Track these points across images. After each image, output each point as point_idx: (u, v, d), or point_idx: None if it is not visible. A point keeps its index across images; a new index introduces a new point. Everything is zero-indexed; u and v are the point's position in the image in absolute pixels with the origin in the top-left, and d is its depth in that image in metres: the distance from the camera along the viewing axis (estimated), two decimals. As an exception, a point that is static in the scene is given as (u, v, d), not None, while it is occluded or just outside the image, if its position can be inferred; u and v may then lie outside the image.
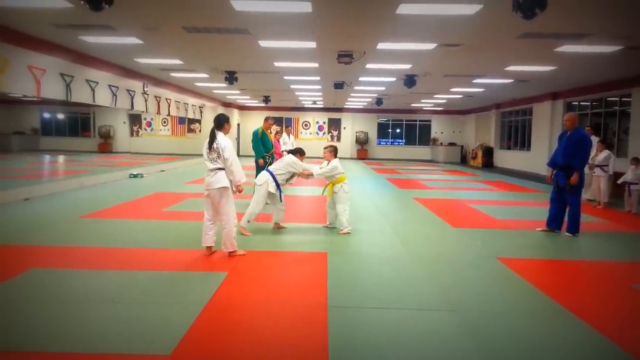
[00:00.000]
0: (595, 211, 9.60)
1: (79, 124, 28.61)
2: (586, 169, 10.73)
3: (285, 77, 15.31)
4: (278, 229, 7.25)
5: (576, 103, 17.22)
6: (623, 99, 14.35)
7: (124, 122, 28.23)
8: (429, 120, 29.56)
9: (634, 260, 6.03)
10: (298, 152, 7.31)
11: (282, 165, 7.12)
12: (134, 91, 15.05)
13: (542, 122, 18.88)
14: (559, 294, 4.55)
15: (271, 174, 6.99)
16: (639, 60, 10.70)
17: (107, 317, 3.79)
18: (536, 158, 19.29)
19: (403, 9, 7.04)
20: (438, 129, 29.51)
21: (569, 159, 7.09)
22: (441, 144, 28.67)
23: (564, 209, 7.30)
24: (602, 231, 7.77)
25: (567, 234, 7.16)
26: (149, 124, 28.72)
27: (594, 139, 10.67)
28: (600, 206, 10.03)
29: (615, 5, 6.76)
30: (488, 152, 24.14)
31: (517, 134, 22.12)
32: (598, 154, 10.14)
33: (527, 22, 6.28)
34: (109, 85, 13.45)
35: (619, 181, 9.91)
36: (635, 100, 13.27)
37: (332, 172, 7.12)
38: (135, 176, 14.45)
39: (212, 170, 5.51)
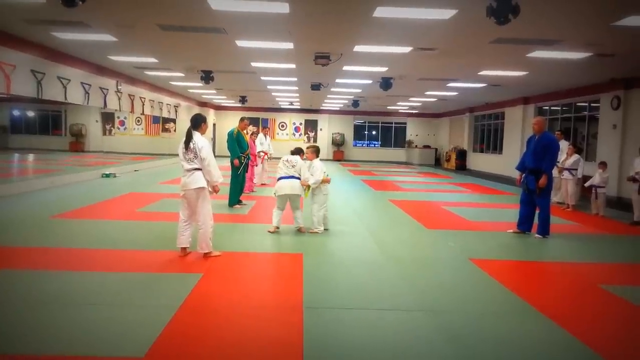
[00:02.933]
0: (564, 213, 9.84)
1: (49, 122, 27.96)
2: (555, 172, 11.03)
3: (262, 78, 15.27)
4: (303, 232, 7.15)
5: (547, 108, 17.64)
6: (592, 105, 14.76)
7: (97, 121, 27.68)
8: (405, 123, 29.86)
9: (601, 261, 6.21)
10: (302, 152, 7.25)
11: (297, 169, 7.01)
12: (107, 89, 14.79)
13: (514, 126, 19.27)
14: (529, 294, 4.65)
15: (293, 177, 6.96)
16: (607, 67, 11.04)
17: (78, 319, 3.72)
18: (508, 161, 19.63)
19: (379, 12, 7.11)
20: (413, 131, 29.84)
21: (538, 163, 7.24)
22: (416, 146, 28.99)
23: (534, 211, 7.46)
24: (570, 233, 7.97)
25: (537, 235, 7.31)
26: (122, 123, 28.25)
27: (564, 143, 10.95)
28: (569, 209, 10.28)
29: (585, 14, 6.96)
30: (461, 155, 24.53)
31: (490, 138, 22.53)
32: (568, 158, 10.39)
33: (501, 27, 6.42)
34: (82, 83, 13.19)
35: (587, 184, 10.18)
36: (603, 106, 13.67)
37: (321, 177, 7.12)
38: (107, 176, 14.20)
39: (188, 170, 5.47)
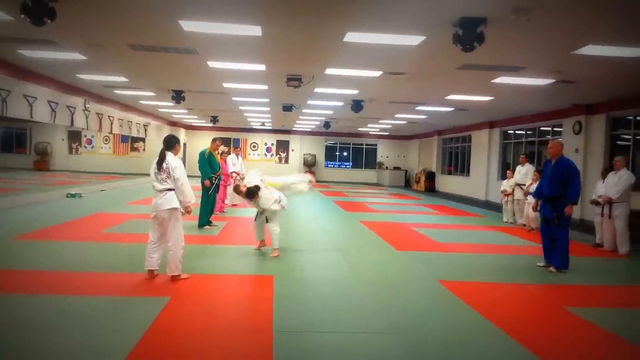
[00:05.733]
0: (528, 235, 10.05)
1: (13, 140, 27.25)
2: (520, 195, 11.30)
3: (234, 98, 15.27)
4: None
5: (512, 132, 18.14)
6: (555, 129, 15.25)
7: (63, 139, 27.17)
8: (375, 145, 30.20)
9: (565, 283, 6.35)
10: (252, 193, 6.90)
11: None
12: (75, 107, 14.54)
13: (480, 149, 19.72)
14: (496, 316, 4.72)
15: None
16: (569, 93, 11.45)
17: (40, 344, 3.59)
18: (475, 183, 20.08)
19: (350, 37, 7.25)
20: (384, 153, 30.20)
21: (555, 190, 6.74)
22: (387, 167, 29.31)
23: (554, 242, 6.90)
24: (534, 255, 8.12)
25: (552, 269, 6.80)
26: (90, 142, 27.78)
27: (530, 167, 11.26)
28: (533, 231, 10.46)
29: (546, 43, 7.25)
30: (430, 177, 24.90)
31: (458, 160, 22.99)
32: (533, 183, 10.60)
33: (467, 54, 6.62)
34: (48, 101, 12.93)
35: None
36: (566, 131, 14.13)
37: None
38: (73, 196, 13.85)
39: (160, 191, 5.39)
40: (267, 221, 7.05)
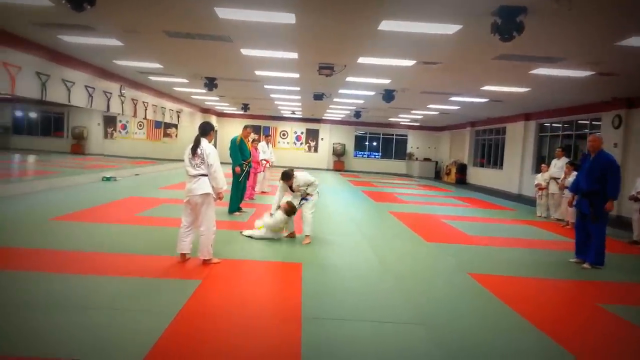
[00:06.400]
0: (564, 231, 9.83)
1: (51, 124, 28.06)
2: (555, 189, 11.06)
3: (266, 86, 15.33)
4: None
5: (548, 124, 17.69)
6: (593, 123, 14.80)
7: (98, 124, 27.80)
8: (406, 135, 29.91)
9: (599, 279, 6.20)
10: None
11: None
12: (111, 93, 14.84)
13: (515, 142, 19.30)
14: (527, 310, 4.65)
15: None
16: (609, 86, 11.09)
17: (74, 323, 3.71)
18: (508, 176, 19.69)
19: (385, 26, 7.16)
20: (414, 144, 29.88)
21: (593, 185, 6.55)
22: (416, 158, 29.02)
23: (589, 237, 6.77)
24: (570, 250, 7.95)
25: (586, 265, 6.68)
26: (124, 127, 28.35)
27: (565, 161, 10.98)
28: (569, 226, 10.26)
29: (588, 33, 7.02)
30: (462, 169, 24.54)
31: (490, 152, 22.56)
32: (566, 177, 10.37)
33: (504, 44, 6.47)
34: (86, 86, 13.23)
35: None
36: (605, 124, 13.71)
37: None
38: (108, 179, 14.21)
39: (194, 176, 5.49)
40: (306, 200, 7.25)
